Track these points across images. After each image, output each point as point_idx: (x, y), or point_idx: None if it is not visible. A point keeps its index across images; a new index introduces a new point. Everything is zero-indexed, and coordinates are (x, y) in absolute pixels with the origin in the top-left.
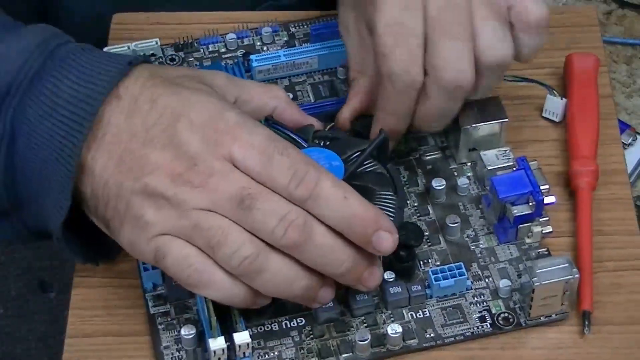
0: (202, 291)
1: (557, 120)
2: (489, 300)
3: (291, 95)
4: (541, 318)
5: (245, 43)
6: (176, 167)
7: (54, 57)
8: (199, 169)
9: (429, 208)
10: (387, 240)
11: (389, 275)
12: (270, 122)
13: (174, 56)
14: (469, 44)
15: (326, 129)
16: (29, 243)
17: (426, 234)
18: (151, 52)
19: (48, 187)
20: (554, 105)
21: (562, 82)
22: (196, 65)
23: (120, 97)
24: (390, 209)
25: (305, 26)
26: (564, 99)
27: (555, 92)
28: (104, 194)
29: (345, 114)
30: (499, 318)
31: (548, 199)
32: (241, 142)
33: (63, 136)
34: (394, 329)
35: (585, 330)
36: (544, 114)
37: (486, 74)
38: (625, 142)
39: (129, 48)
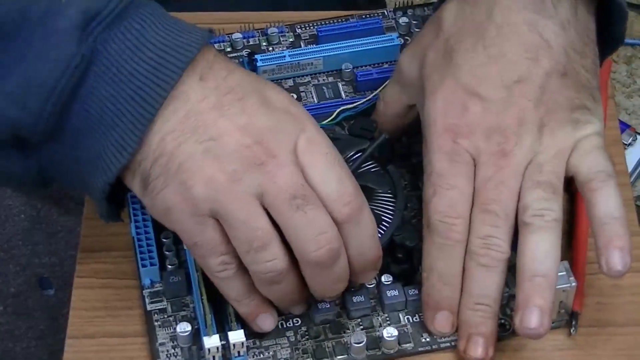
0: (221, 285)
1: None
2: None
3: (295, 96)
4: None
5: (251, 43)
6: (243, 138)
7: (140, 1)
8: (265, 147)
9: None
10: (372, 277)
11: (386, 278)
12: None
13: None
14: (504, 220)
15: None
16: (25, 187)
17: None
18: None
19: (113, 124)
20: None
21: None
22: None
23: (195, 59)
24: (389, 210)
25: (312, 27)
26: None
27: None
28: (157, 148)
29: None
30: None
31: None
32: (308, 134)
33: (148, 78)
34: (389, 332)
35: (571, 331)
36: None
37: (527, 233)
38: (625, 142)
39: None
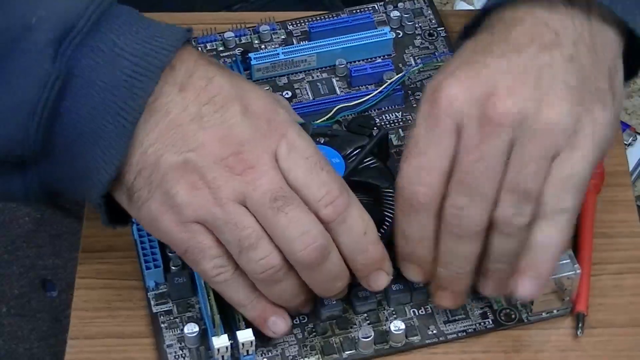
0: (221, 289)
1: None
2: (490, 297)
3: (290, 94)
4: (543, 314)
5: (243, 41)
6: (222, 149)
7: (111, 9)
8: (243, 157)
9: None
10: (382, 280)
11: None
12: None
13: None
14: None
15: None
16: (31, 204)
17: None
18: None
19: (96, 137)
20: None
21: None
22: None
23: (174, 67)
24: (390, 205)
25: (303, 24)
26: None
27: None
28: (139, 161)
29: None
30: (501, 314)
31: None
32: (289, 140)
33: (125, 88)
34: (396, 325)
35: (578, 332)
36: None
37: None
38: (625, 142)
39: None
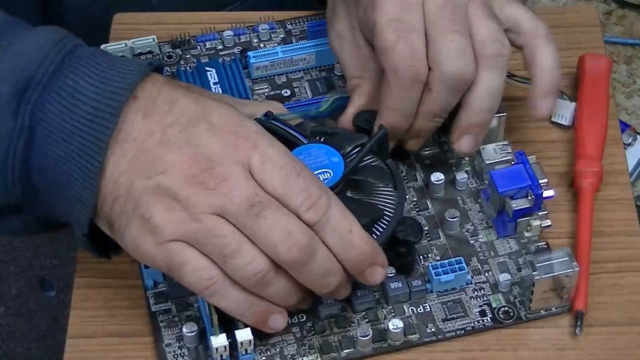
0: (216, 302)
1: (566, 124)
2: (489, 295)
3: (289, 92)
4: (541, 311)
5: (242, 40)
6: (192, 167)
7: (72, 56)
8: (215, 172)
9: (428, 203)
10: (379, 275)
11: (389, 271)
12: (270, 117)
13: (171, 53)
14: (468, 39)
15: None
16: (37, 234)
17: (425, 228)
18: (148, 49)
19: (67, 182)
20: (564, 108)
21: (568, 83)
22: (193, 62)
23: (137, 97)
24: (390, 204)
25: (302, 23)
26: (573, 102)
27: (565, 96)
28: (113, 191)
29: (350, 116)
30: (500, 312)
31: (547, 193)
32: (261, 151)
33: (87, 132)
34: (395, 324)
35: (576, 331)
36: (553, 119)
37: (487, 68)
38: (625, 142)
39: (126, 45)
